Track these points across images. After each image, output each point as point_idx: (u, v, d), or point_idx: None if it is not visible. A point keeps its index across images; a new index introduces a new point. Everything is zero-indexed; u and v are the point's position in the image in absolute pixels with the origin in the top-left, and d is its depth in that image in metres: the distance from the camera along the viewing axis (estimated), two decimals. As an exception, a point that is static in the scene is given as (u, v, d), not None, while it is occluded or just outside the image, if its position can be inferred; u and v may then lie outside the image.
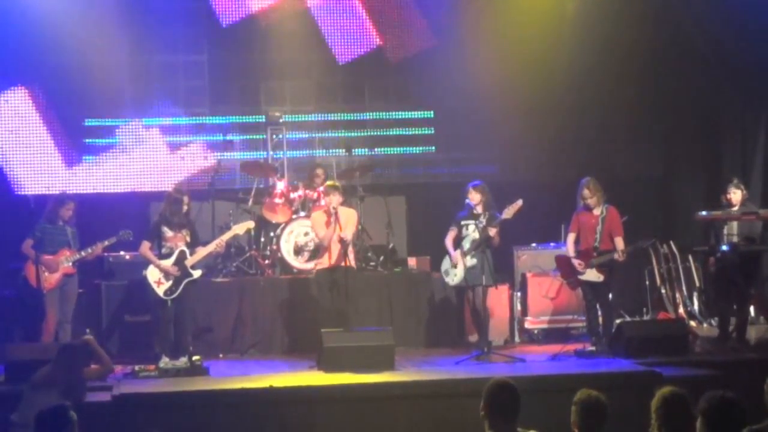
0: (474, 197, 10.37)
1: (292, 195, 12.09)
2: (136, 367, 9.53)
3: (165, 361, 9.59)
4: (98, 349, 8.96)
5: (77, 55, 12.30)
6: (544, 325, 11.70)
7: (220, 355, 10.97)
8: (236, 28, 13.19)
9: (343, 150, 12.98)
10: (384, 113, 13.59)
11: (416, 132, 13.61)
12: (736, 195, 10.52)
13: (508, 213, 10.08)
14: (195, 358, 9.59)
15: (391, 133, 13.56)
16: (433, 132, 13.59)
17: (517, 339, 11.71)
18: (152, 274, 10.10)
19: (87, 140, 12.85)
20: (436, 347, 11.14)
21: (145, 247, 10.21)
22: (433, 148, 13.56)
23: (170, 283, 10.07)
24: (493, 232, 10.10)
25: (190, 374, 9.40)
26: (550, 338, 11.48)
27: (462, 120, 13.38)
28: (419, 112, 13.61)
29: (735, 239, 10.43)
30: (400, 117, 13.60)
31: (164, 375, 9.38)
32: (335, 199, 10.21)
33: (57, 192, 11.27)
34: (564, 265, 10.47)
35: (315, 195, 11.95)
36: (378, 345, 9.65)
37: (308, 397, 8.62)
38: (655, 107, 13.35)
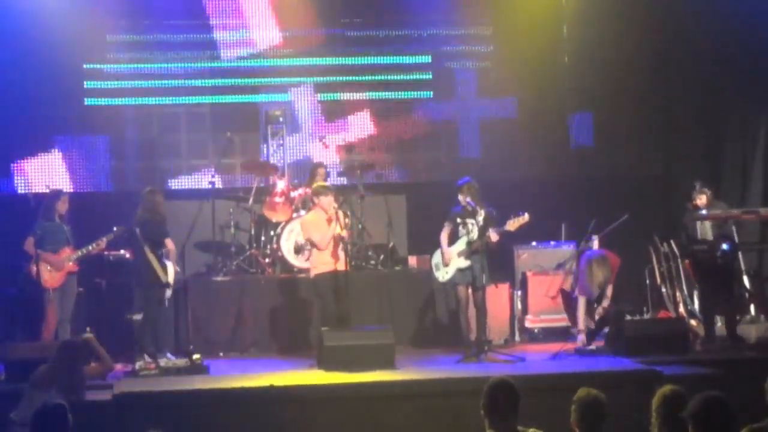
0: (464, 197, 10.17)
1: (293, 194, 12.08)
2: (137, 366, 9.53)
3: (165, 360, 9.64)
4: (98, 348, 8.95)
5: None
6: (545, 324, 11.70)
7: (221, 354, 10.97)
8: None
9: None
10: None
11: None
12: (701, 199, 10.58)
13: (511, 225, 9.98)
14: (195, 356, 9.60)
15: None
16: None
17: (517, 338, 11.69)
18: (171, 274, 10.17)
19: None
20: (436, 346, 11.12)
21: (172, 244, 10.34)
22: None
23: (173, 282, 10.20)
24: (495, 237, 9.98)
25: (190, 373, 9.41)
26: (551, 337, 11.45)
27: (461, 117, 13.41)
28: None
29: (709, 239, 10.47)
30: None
31: (164, 374, 9.40)
32: (332, 199, 10.24)
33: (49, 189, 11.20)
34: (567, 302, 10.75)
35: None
36: (378, 344, 9.66)
37: (308, 395, 8.64)
38: (655, 107, 13.33)
